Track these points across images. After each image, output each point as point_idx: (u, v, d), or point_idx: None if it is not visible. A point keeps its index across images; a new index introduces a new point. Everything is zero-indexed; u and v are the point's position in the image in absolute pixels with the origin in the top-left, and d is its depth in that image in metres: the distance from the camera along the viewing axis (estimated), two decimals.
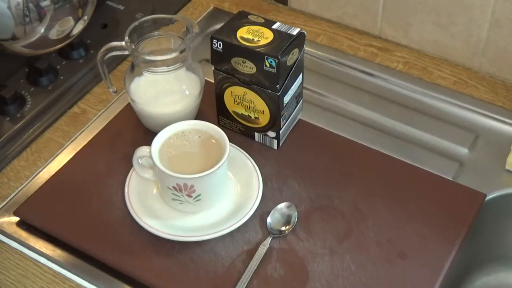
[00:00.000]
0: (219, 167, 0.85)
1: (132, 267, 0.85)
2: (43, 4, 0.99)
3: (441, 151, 0.99)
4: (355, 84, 1.09)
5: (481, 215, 0.91)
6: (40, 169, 0.97)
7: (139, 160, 0.88)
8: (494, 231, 0.98)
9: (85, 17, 1.07)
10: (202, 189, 0.86)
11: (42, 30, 1.01)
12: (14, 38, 1.01)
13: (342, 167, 0.95)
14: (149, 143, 0.87)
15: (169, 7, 1.21)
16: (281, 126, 0.95)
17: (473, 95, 1.06)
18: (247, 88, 0.92)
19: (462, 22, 1.06)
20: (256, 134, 0.98)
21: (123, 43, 0.92)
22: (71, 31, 1.06)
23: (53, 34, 1.03)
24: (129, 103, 1.00)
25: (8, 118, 1.03)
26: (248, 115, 0.95)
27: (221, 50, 0.90)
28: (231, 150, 0.88)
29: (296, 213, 0.89)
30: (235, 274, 0.83)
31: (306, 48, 0.94)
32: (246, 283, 0.82)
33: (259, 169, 0.92)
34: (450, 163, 0.97)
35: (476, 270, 1.02)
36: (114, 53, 0.94)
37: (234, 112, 0.97)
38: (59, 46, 1.07)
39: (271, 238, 0.86)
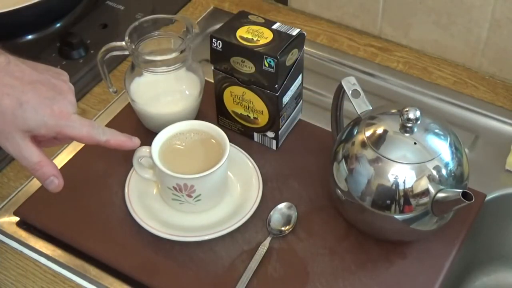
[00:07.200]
0: (219, 167, 0.85)
1: (132, 267, 0.85)
2: None
3: None
4: None
5: (481, 215, 0.91)
6: None
7: (139, 160, 0.88)
8: (494, 231, 0.98)
9: None
10: (202, 189, 0.86)
11: None
12: None
13: None
14: (149, 143, 0.87)
15: (169, 7, 1.21)
16: (280, 127, 0.95)
17: (473, 95, 1.06)
18: (246, 88, 0.92)
19: (462, 22, 1.06)
20: (255, 134, 0.97)
21: (123, 43, 0.92)
22: None
23: None
24: (129, 103, 1.00)
25: None
26: (247, 115, 0.95)
27: (221, 49, 0.90)
28: (231, 150, 0.88)
29: (296, 213, 0.89)
30: (235, 274, 0.83)
31: (306, 48, 0.94)
32: (246, 283, 0.82)
33: (259, 169, 0.92)
34: None
35: (476, 270, 1.02)
36: (114, 53, 0.94)
37: (234, 112, 0.97)
38: None
39: (271, 238, 0.86)
